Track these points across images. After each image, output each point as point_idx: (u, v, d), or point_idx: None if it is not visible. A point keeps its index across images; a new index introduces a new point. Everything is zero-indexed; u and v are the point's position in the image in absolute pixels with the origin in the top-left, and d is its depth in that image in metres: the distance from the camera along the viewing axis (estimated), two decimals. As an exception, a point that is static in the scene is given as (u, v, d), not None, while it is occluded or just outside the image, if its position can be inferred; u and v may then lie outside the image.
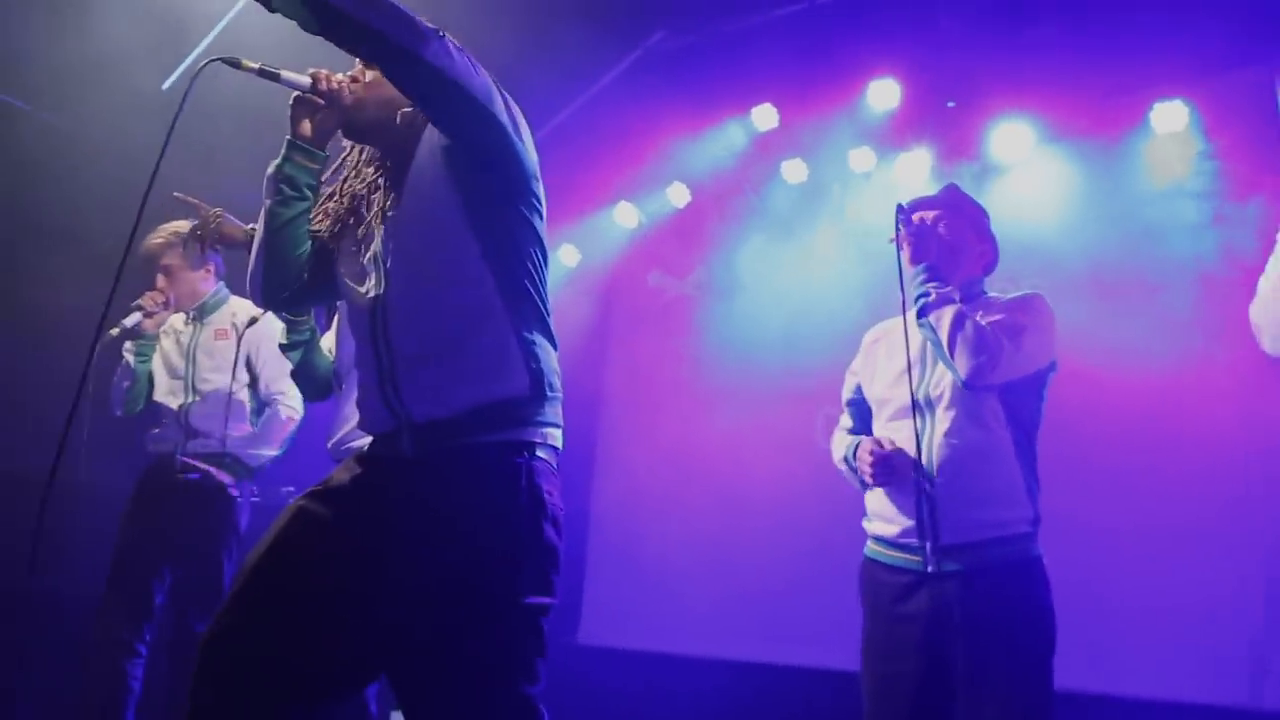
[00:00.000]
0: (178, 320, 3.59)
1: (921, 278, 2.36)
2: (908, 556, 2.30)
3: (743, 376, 5.14)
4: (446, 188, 1.67)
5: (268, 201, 1.77)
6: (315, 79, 1.72)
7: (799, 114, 4.93)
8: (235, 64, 1.68)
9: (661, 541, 5.15)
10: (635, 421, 5.62)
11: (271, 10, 1.45)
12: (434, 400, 1.62)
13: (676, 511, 5.16)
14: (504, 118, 1.64)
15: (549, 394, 1.68)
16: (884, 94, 4.69)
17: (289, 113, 1.77)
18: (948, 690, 2.20)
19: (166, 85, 4.30)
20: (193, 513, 3.35)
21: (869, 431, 2.51)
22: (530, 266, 1.71)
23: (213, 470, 3.39)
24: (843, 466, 2.55)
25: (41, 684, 4.00)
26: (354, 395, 1.87)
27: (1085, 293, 4.10)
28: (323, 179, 1.85)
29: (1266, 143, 4.02)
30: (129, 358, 3.51)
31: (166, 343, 3.57)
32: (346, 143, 1.87)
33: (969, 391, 2.26)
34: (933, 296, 2.31)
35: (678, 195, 5.44)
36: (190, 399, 3.46)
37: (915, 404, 2.34)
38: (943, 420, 2.30)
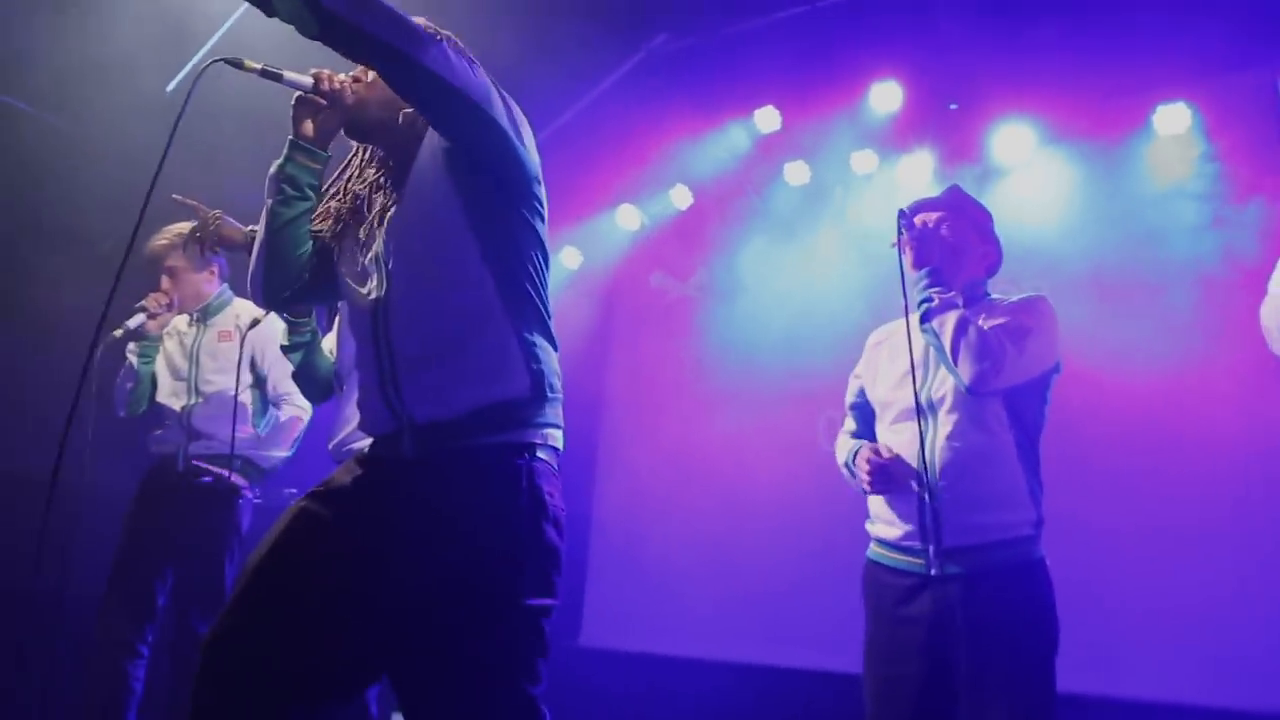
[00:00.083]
0: (181, 322, 3.60)
1: (924, 283, 2.35)
2: (910, 559, 2.30)
3: (745, 378, 5.14)
4: (447, 189, 1.68)
5: (269, 201, 1.77)
6: (317, 79, 1.72)
7: (801, 116, 4.93)
8: (238, 64, 1.68)
9: (663, 543, 5.15)
10: (637, 423, 5.62)
11: (270, 15, 1.45)
12: (435, 401, 1.63)
13: (678, 513, 5.16)
14: (504, 121, 1.64)
15: (549, 395, 1.68)
16: (886, 96, 4.70)
17: (291, 113, 1.77)
18: (950, 693, 2.19)
19: (170, 87, 4.31)
20: (195, 513, 3.35)
21: (872, 434, 2.50)
22: (531, 269, 1.71)
23: (226, 474, 3.41)
24: (845, 471, 2.55)
25: (42, 684, 4.00)
26: (355, 396, 1.87)
27: (1087, 294, 4.10)
28: (326, 179, 1.86)
29: (1268, 145, 4.02)
30: (132, 359, 3.52)
31: (170, 344, 3.58)
32: (353, 143, 1.87)
33: (972, 397, 2.26)
34: (935, 302, 2.30)
35: (680, 197, 5.45)
36: (193, 400, 3.46)
37: (918, 407, 2.34)
38: (945, 423, 2.30)
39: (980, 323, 2.33)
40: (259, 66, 1.68)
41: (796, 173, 5.10)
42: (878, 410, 2.49)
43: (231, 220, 3.38)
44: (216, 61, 1.67)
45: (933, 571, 2.25)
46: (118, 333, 3.41)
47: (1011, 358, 2.22)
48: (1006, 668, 2.15)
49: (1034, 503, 2.28)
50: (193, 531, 3.34)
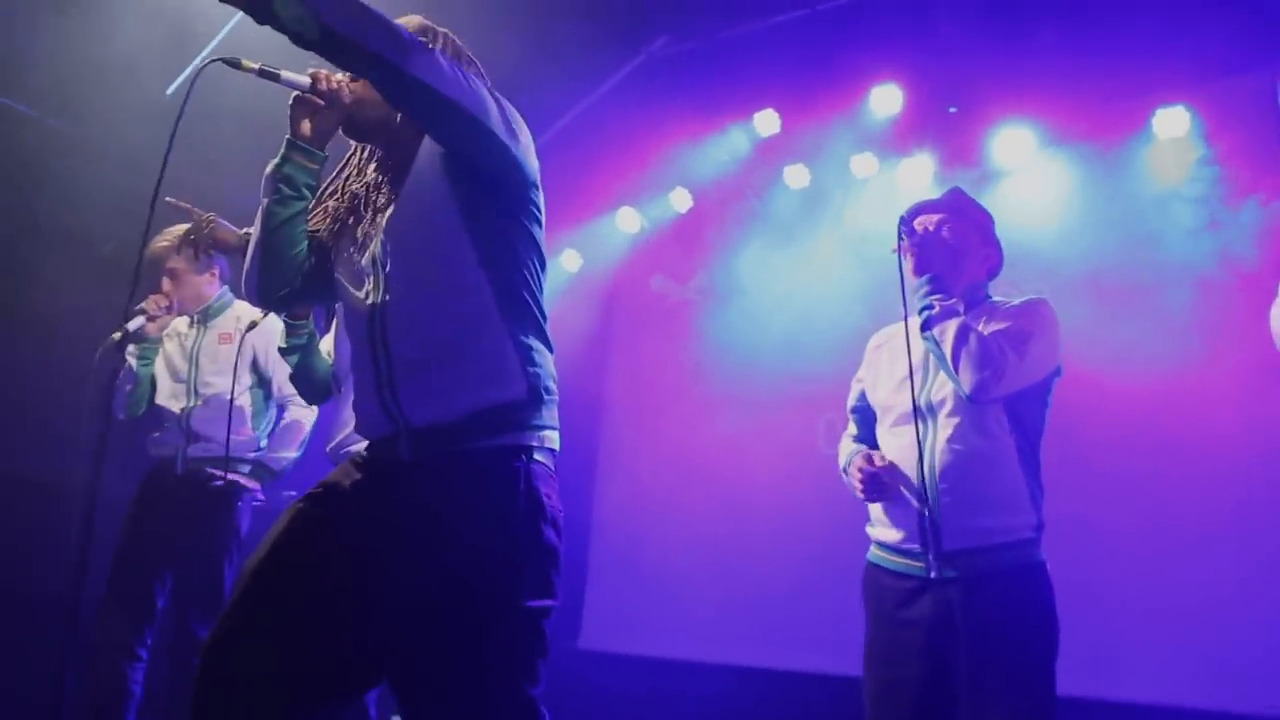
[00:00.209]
0: (181, 323, 3.60)
1: (925, 289, 2.34)
2: (911, 562, 2.30)
3: (745, 381, 5.14)
4: (445, 193, 1.68)
5: (265, 200, 1.77)
6: (315, 79, 1.72)
7: (801, 119, 4.94)
8: (235, 64, 1.68)
9: (663, 546, 5.15)
10: (637, 426, 5.62)
11: (262, 23, 1.45)
12: (433, 405, 1.62)
13: (678, 516, 5.16)
14: (500, 131, 1.63)
15: (545, 398, 1.68)
16: (886, 99, 4.70)
17: (289, 113, 1.77)
18: (950, 695, 2.19)
19: (170, 90, 4.31)
20: (195, 516, 3.35)
21: (874, 437, 2.50)
22: (527, 274, 1.71)
23: (223, 475, 3.41)
24: (844, 476, 2.55)
25: (42, 686, 3.99)
26: (352, 398, 1.87)
27: (1087, 296, 4.10)
28: (323, 179, 1.85)
29: (1268, 148, 4.03)
30: (131, 361, 3.52)
31: (170, 346, 3.58)
32: (352, 142, 1.87)
33: (973, 403, 2.26)
34: (936, 309, 2.30)
35: (680, 200, 5.45)
36: (192, 402, 3.46)
37: (917, 410, 2.34)
38: (945, 426, 2.29)
39: (981, 327, 2.33)
40: (256, 66, 1.68)
41: (796, 176, 5.11)
42: (878, 413, 2.49)
43: (225, 223, 3.38)
44: (214, 61, 1.67)
45: (933, 574, 2.25)
46: (117, 335, 3.40)
47: (1012, 364, 2.22)
48: (1007, 670, 2.14)
49: (1034, 506, 2.28)
50: (192, 534, 3.33)
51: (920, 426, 2.33)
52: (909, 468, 2.31)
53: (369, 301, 1.69)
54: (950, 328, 2.25)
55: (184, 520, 3.34)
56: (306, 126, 1.77)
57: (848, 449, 2.60)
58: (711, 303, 5.51)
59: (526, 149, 1.71)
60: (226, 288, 3.67)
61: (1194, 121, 4.18)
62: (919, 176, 4.72)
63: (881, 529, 2.38)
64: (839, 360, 4.07)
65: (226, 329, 3.55)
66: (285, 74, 1.70)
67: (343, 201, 1.82)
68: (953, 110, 4.71)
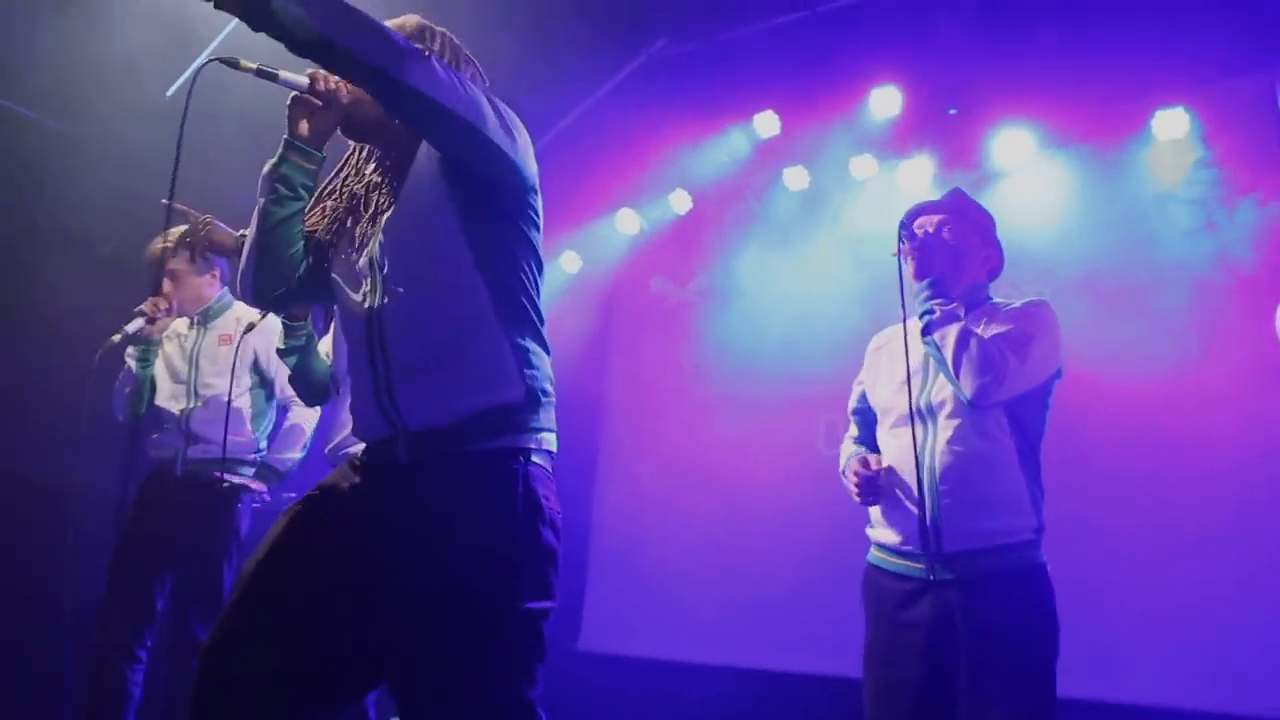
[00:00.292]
0: (181, 324, 3.59)
1: (925, 294, 2.34)
2: (911, 564, 2.29)
3: (744, 383, 5.14)
4: (442, 195, 1.67)
5: (262, 200, 1.76)
6: (313, 79, 1.71)
7: (801, 121, 4.94)
8: (233, 64, 1.68)
9: (663, 547, 5.15)
10: (637, 428, 5.62)
11: (257, 30, 1.45)
12: (430, 408, 1.62)
13: (678, 517, 5.16)
14: (497, 137, 1.63)
15: (543, 400, 1.68)
16: (885, 101, 4.71)
17: (287, 113, 1.77)
18: (950, 697, 2.19)
19: (170, 92, 4.32)
20: (194, 517, 3.35)
21: (875, 438, 2.51)
22: (524, 277, 1.71)
23: (243, 480, 3.42)
24: (843, 479, 2.55)
25: (41, 687, 3.99)
26: (349, 400, 1.86)
27: (1086, 298, 4.11)
28: (321, 180, 1.85)
29: (1267, 150, 4.03)
30: (130, 363, 3.52)
31: (170, 347, 3.58)
32: (350, 142, 1.87)
33: (975, 408, 2.25)
34: (937, 314, 2.30)
35: (679, 202, 5.45)
36: (192, 404, 3.46)
37: (918, 413, 2.34)
38: (945, 428, 2.29)
39: (981, 329, 2.32)
40: (254, 66, 1.68)
41: (796, 178, 5.11)
42: (879, 415, 2.49)
43: (221, 224, 3.38)
44: (212, 61, 1.67)
45: (932, 576, 2.25)
46: (116, 337, 3.41)
47: (1013, 369, 2.21)
48: (1007, 672, 2.14)
49: (1035, 509, 2.28)
50: (191, 535, 3.33)
51: (920, 428, 2.32)
52: (909, 469, 2.31)
53: (366, 304, 1.69)
54: (951, 333, 2.25)
55: (183, 522, 3.34)
56: (304, 127, 1.76)
57: (848, 451, 2.60)
58: (711, 304, 5.51)
59: (525, 153, 1.70)
60: (227, 289, 3.67)
61: (1193, 123, 4.19)
62: (918, 178, 4.73)
63: (882, 530, 2.38)
64: (838, 362, 4.07)
65: (227, 330, 3.55)
66: (283, 74, 1.70)
67: (341, 202, 1.82)
68: (952, 112, 4.71)
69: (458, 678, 1.52)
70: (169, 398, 3.50)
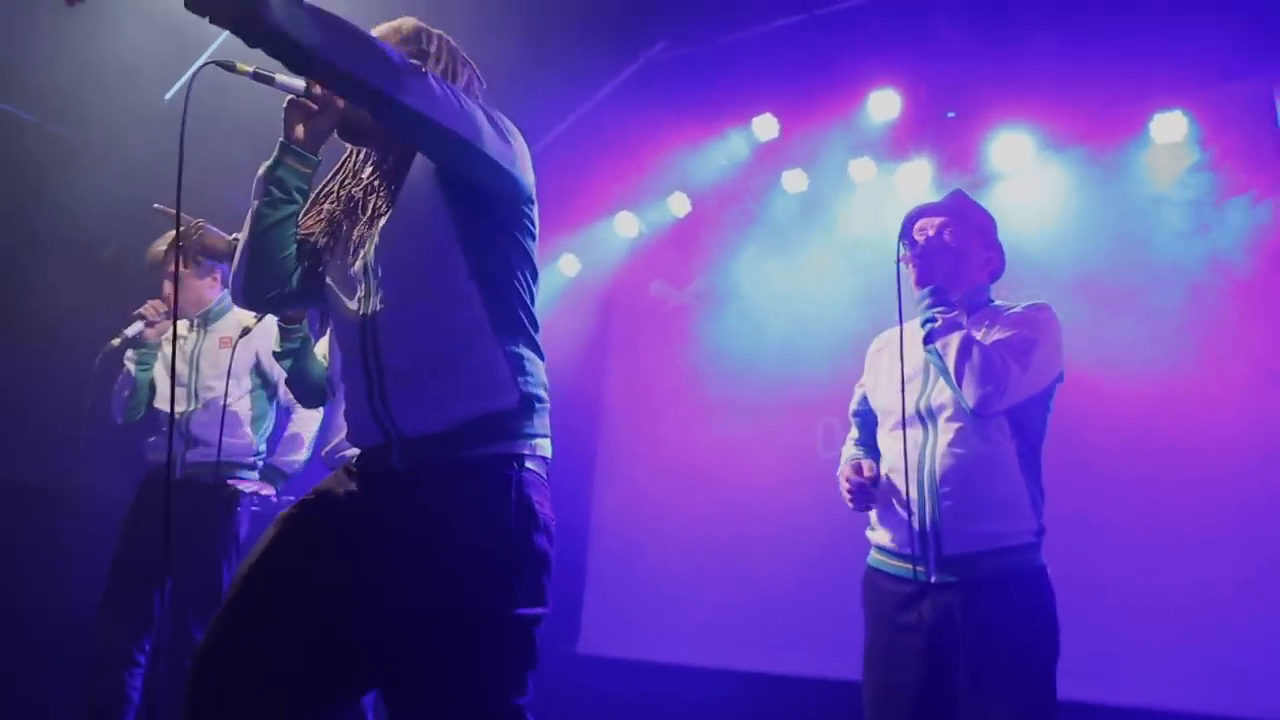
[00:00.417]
0: (182, 326, 3.59)
1: (927, 302, 2.34)
2: (911, 566, 2.29)
3: (743, 385, 5.14)
4: (438, 203, 1.67)
5: (255, 203, 1.76)
6: (309, 83, 1.71)
7: (799, 124, 4.94)
8: (230, 67, 1.68)
9: (662, 550, 5.14)
10: (636, 430, 5.62)
11: (252, 46, 1.45)
12: (425, 415, 1.62)
13: (676, 520, 5.16)
14: (492, 151, 1.62)
15: (537, 406, 1.68)
16: (884, 104, 4.71)
17: (283, 116, 1.76)
18: (950, 699, 2.19)
19: (169, 96, 4.32)
20: (193, 520, 3.34)
21: (876, 440, 2.51)
22: (518, 286, 1.71)
23: (247, 482, 3.42)
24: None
25: (41, 692, 3.99)
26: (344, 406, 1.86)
27: (1085, 300, 4.11)
28: (317, 183, 1.85)
29: (1265, 153, 4.04)
30: (130, 366, 3.52)
31: (169, 349, 3.58)
32: (347, 145, 1.86)
33: (977, 417, 2.25)
34: (939, 322, 2.29)
35: (678, 205, 5.45)
36: (192, 406, 3.46)
37: (919, 416, 2.34)
38: (946, 431, 2.29)
39: (983, 333, 2.32)
40: (251, 69, 1.67)
41: (794, 181, 5.11)
42: (879, 417, 2.49)
43: (214, 229, 3.38)
44: (209, 64, 1.67)
45: (933, 579, 2.25)
46: (116, 341, 3.41)
47: (1015, 377, 2.21)
48: (1007, 674, 2.14)
49: (1035, 512, 2.27)
50: (190, 538, 3.33)
51: (921, 431, 2.32)
52: (909, 471, 2.31)
53: (360, 310, 1.69)
54: (953, 341, 2.25)
55: (182, 525, 3.34)
56: (300, 130, 1.76)
57: (848, 453, 2.60)
58: (710, 307, 5.51)
59: (522, 164, 1.70)
60: (227, 291, 3.68)
61: (1191, 127, 4.19)
62: (917, 181, 4.73)
63: (881, 533, 2.38)
64: (837, 364, 4.08)
65: (227, 333, 3.55)
66: (280, 77, 1.70)
67: (338, 205, 1.81)
68: (951, 115, 4.71)
69: (447, 682, 1.52)
70: (169, 400, 3.50)
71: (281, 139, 1.76)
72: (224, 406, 3.18)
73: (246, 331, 3.12)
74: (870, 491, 2.35)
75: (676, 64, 5.14)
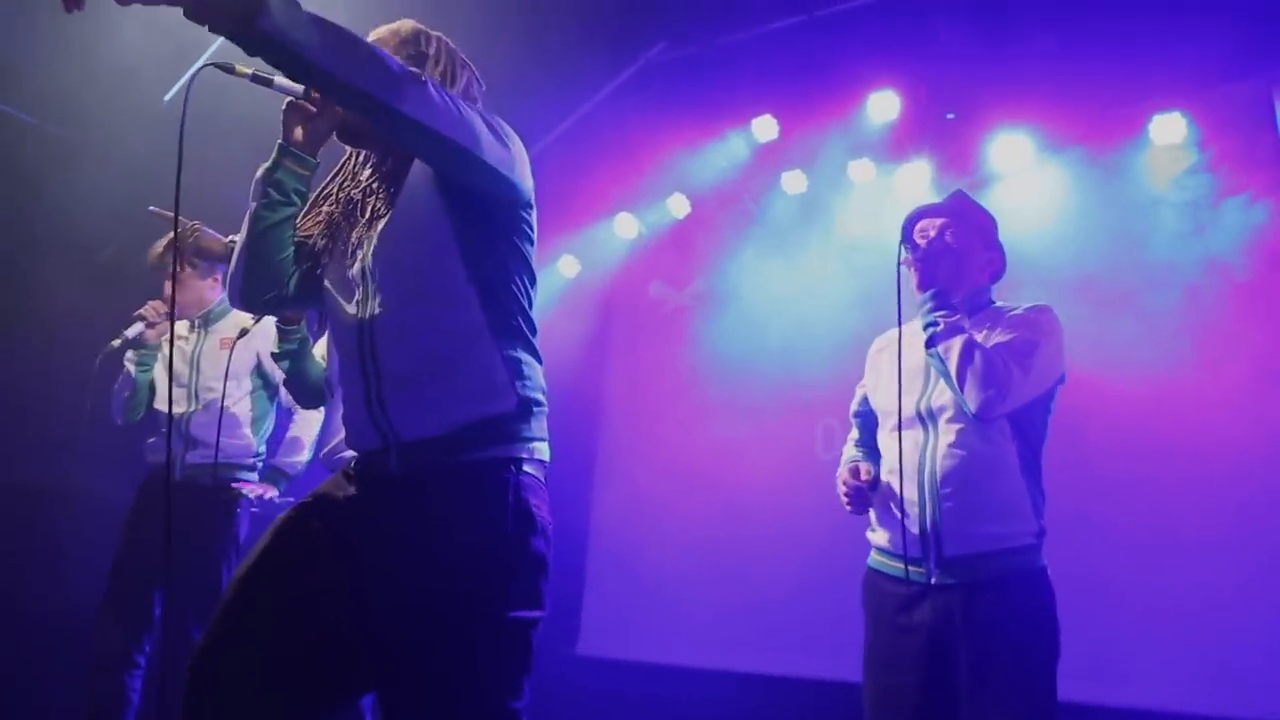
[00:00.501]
0: (182, 327, 3.59)
1: (929, 305, 2.34)
2: (911, 568, 2.29)
3: (742, 387, 5.14)
4: (437, 207, 1.67)
5: (253, 204, 1.76)
6: None
7: (799, 125, 4.94)
8: (229, 69, 1.68)
9: (661, 551, 5.14)
10: (635, 431, 5.62)
11: (251, 55, 1.45)
12: (422, 419, 1.62)
13: (676, 521, 5.16)
14: (492, 159, 1.62)
15: (535, 410, 1.68)
16: (883, 106, 4.71)
17: (282, 118, 1.77)
18: (950, 701, 2.18)
19: (168, 97, 4.32)
20: (193, 521, 3.34)
21: (876, 441, 2.50)
22: (516, 290, 1.71)
23: (250, 484, 3.43)
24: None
25: (41, 693, 3.99)
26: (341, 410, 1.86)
27: (1085, 301, 4.11)
28: (315, 185, 1.85)
29: (1265, 154, 4.04)
30: (130, 367, 3.52)
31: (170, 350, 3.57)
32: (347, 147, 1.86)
33: (979, 421, 2.25)
34: (941, 326, 2.29)
35: (678, 206, 5.46)
36: (193, 407, 3.45)
37: (919, 417, 2.34)
38: (947, 433, 2.29)
39: (984, 335, 2.32)
40: (250, 72, 1.68)
41: (794, 182, 5.11)
42: (880, 418, 2.49)
43: (209, 231, 3.37)
44: (208, 66, 1.67)
45: (933, 580, 2.25)
46: (116, 342, 3.41)
47: (1017, 381, 2.21)
48: (1008, 676, 2.14)
49: (1036, 513, 2.27)
50: (190, 540, 3.33)
51: (922, 432, 2.32)
52: (910, 473, 2.31)
53: (358, 313, 1.69)
54: (955, 345, 2.24)
55: (182, 526, 3.33)
56: (299, 132, 1.76)
57: (849, 454, 2.60)
58: (709, 308, 5.51)
59: (521, 170, 1.70)
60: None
61: (1190, 128, 4.19)
62: (916, 183, 4.73)
63: (882, 534, 2.38)
64: (836, 366, 4.08)
65: (228, 334, 3.55)
66: (279, 79, 1.70)
67: (337, 207, 1.81)
68: (950, 116, 4.71)
69: (443, 684, 1.52)
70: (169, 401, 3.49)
71: (280, 141, 1.76)
72: (220, 408, 3.18)
73: (245, 333, 3.12)
74: (867, 495, 2.36)
75: (676, 65, 5.14)
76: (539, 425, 1.69)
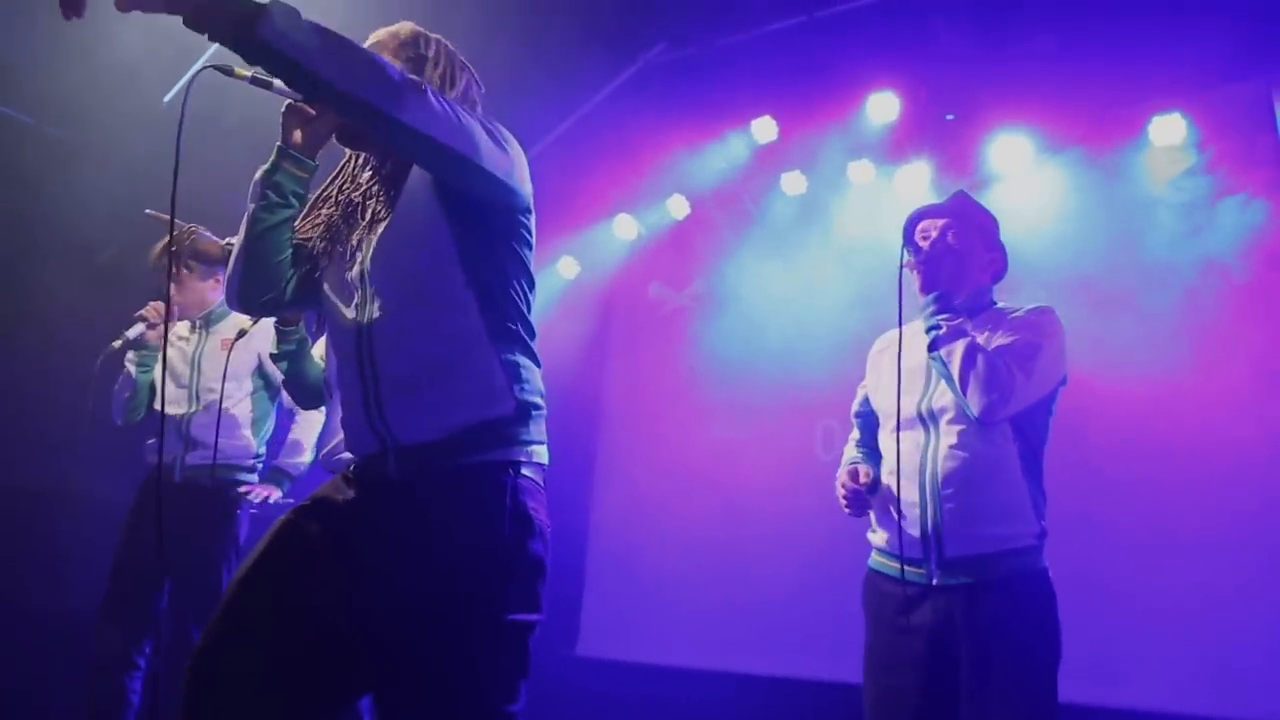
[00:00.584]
0: (183, 328, 3.59)
1: (932, 309, 2.34)
2: (912, 569, 2.29)
3: (742, 388, 5.14)
4: (435, 213, 1.67)
5: (251, 206, 1.76)
6: None
7: (798, 127, 4.94)
8: (228, 72, 1.69)
9: (661, 552, 5.14)
10: (635, 433, 5.62)
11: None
12: (420, 424, 1.62)
13: (676, 522, 5.16)
14: (491, 165, 1.62)
15: (533, 413, 1.68)
16: (883, 107, 4.71)
17: (281, 121, 1.77)
18: (951, 703, 2.19)
19: (168, 99, 4.32)
20: (193, 522, 3.34)
21: (877, 441, 2.51)
22: (514, 294, 1.71)
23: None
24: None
25: (41, 695, 3.99)
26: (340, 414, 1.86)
27: (1085, 302, 4.10)
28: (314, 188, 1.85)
29: (1265, 155, 4.04)
30: (130, 368, 3.52)
31: (171, 351, 3.57)
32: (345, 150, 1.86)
33: (981, 425, 2.25)
34: (944, 330, 2.29)
35: (677, 207, 5.45)
36: (193, 408, 3.45)
37: (920, 418, 2.34)
38: (948, 434, 2.29)
39: (985, 337, 2.32)
40: (249, 74, 1.68)
41: (793, 183, 5.11)
42: (881, 418, 2.49)
43: (206, 234, 3.36)
44: (207, 68, 1.67)
45: (934, 581, 2.25)
46: (117, 343, 3.41)
47: (1020, 385, 2.21)
48: (1009, 677, 2.14)
49: (1037, 514, 2.27)
50: (190, 541, 3.33)
51: (923, 433, 2.32)
52: (911, 474, 2.30)
53: (356, 318, 1.69)
54: (958, 350, 2.24)
55: (182, 527, 3.33)
56: (298, 135, 1.76)
57: (849, 454, 2.60)
58: (708, 309, 5.51)
59: (520, 176, 1.70)
60: (230, 293, 3.67)
61: (1190, 129, 4.19)
62: (916, 184, 4.73)
63: (882, 535, 2.38)
64: (836, 367, 4.08)
65: (228, 335, 3.55)
66: (278, 82, 1.70)
67: (336, 210, 1.81)
68: (950, 117, 4.71)
69: (438, 686, 1.52)
70: (170, 402, 3.50)
71: (279, 143, 1.76)
72: (219, 409, 3.17)
73: (243, 334, 3.12)
74: (865, 498, 2.35)
75: (675, 66, 5.14)
76: (537, 429, 1.69)
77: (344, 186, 1.83)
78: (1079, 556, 3.62)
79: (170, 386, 3.52)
